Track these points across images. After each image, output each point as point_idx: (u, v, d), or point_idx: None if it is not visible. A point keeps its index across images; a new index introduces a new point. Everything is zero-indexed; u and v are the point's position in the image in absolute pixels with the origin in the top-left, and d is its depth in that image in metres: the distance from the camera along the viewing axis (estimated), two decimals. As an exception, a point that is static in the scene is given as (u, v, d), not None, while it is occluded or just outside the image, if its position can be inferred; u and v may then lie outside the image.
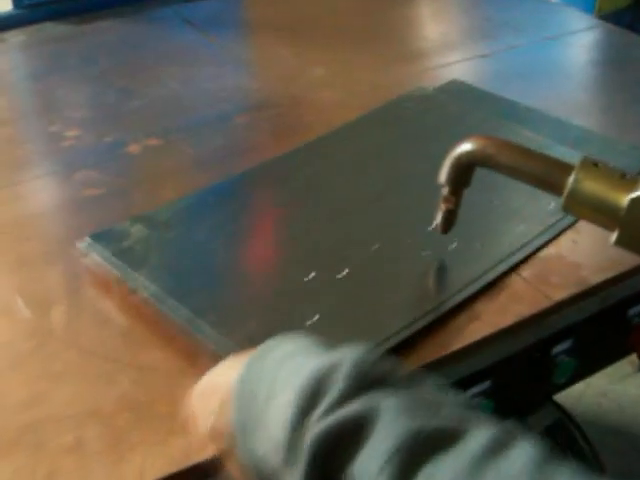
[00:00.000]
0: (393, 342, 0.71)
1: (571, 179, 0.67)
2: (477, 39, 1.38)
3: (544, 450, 0.42)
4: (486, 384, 0.79)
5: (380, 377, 0.48)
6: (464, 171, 0.76)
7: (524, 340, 0.79)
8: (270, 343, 0.55)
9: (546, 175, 0.70)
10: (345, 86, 1.20)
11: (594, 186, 0.66)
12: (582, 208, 0.68)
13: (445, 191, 0.77)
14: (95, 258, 0.82)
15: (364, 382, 0.47)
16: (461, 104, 1.11)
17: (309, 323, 0.73)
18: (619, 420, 1.74)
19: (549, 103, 1.12)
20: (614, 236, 0.66)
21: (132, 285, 0.78)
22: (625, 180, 0.66)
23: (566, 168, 0.68)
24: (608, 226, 0.67)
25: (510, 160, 0.72)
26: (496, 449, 0.41)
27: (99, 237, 0.84)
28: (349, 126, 1.05)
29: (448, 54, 1.32)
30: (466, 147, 0.74)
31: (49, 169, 1.03)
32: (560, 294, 0.79)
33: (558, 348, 0.83)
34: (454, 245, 0.83)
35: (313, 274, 0.79)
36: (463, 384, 0.76)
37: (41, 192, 0.99)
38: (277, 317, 0.75)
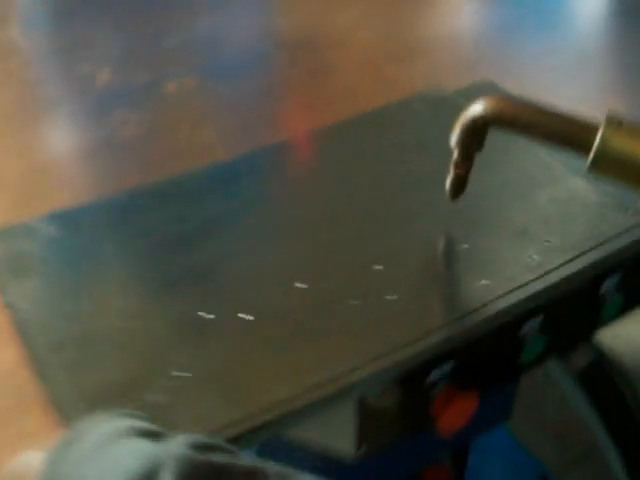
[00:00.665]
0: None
1: (597, 138, 0.64)
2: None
3: None
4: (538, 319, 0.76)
5: (213, 475, 0.39)
6: (477, 133, 0.71)
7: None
8: (81, 427, 0.46)
9: (570, 135, 0.66)
10: (381, 28, 1.17)
11: (623, 144, 0.64)
12: (610, 168, 0.65)
13: (456, 155, 0.73)
14: None
15: None
16: None
17: (175, 374, 0.61)
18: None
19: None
20: None
21: (7, 299, 0.68)
22: None
23: (591, 127, 0.65)
24: (638, 186, 0.65)
25: (530, 120, 0.68)
26: None
27: (4, 233, 0.75)
28: (343, 125, 0.93)
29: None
30: (480, 107, 0.70)
31: (83, 109, 1.01)
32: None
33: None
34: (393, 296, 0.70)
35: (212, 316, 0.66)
36: (517, 320, 0.74)
37: (76, 132, 0.96)
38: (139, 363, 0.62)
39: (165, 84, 1.03)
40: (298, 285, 0.69)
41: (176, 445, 0.40)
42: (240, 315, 0.66)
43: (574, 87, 1.05)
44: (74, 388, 0.59)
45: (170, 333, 0.64)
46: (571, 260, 0.74)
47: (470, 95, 0.90)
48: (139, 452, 0.41)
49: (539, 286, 0.71)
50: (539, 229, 0.77)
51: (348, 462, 0.76)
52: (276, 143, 0.90)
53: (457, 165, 0.74)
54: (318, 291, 0.69)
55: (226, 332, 0.65)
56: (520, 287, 0.71)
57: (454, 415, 0.74)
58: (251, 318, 0.66)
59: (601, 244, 0.76)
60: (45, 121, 0.99)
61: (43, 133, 0.97)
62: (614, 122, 0.64)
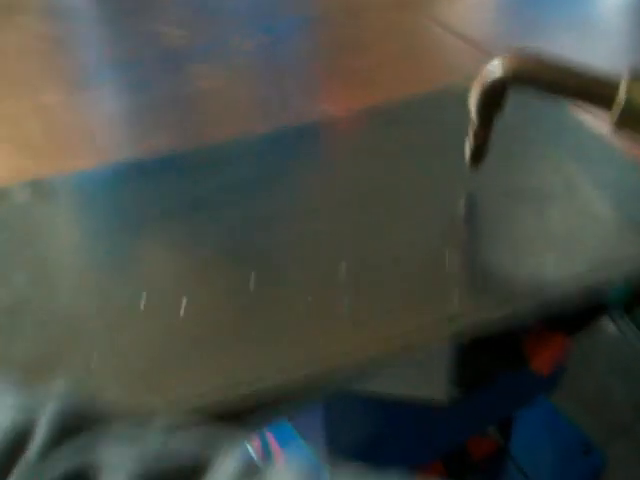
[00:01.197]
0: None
1: (622, 91, 0.61)
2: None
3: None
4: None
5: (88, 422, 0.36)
6: (497, 95, 0.67)
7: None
8: None
9: (593, 89, 0.63)
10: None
11: None
12: (636, 121, 0.62)
13: (475, 120, 0.69)
14: None
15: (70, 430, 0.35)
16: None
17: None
18: None
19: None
20: None
21: None
22: None
23: (613, 81, 0.62)
24: None
25: (551, 77, 0.64)
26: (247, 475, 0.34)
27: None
28: (366, 113, 0.88)
29: None
30: (498, 67, 0.65)
31: (158, 64, 1.00)
32: None
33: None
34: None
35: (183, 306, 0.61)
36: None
37: (154, 86, 0.96)
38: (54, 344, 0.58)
39: (238, 42, 1.03)
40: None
41: (52, 397, 0.37)
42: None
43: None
44: None
45: (100, 319, 0.60)
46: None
47: None
48: (9, 406, 0.36)
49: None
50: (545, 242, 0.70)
51: (439, 407, 0.76)
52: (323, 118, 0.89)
53: (476, 131, 0.70)
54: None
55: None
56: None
57: (546, 354, 0.74)
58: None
59: None
60: (116, 78, 0.99)
61: (114, 89, 0.97)
62: (637, 74, 0.62)
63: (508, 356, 0.76)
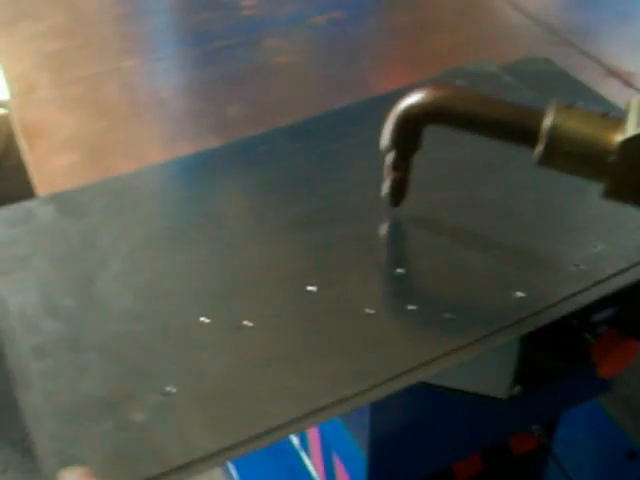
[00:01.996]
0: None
1: (546, 124, 0.55)
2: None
3: None
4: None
5: None
6: (413, 131, 0.61)
7: None
8: None
9: (516, 123, 0.57)
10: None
11: (574, 130, 0.55)
12: (562, 158, 0.56)
13: (392, 157, 0.64)
14: None
15: None
16: (523, 96, 0.81)
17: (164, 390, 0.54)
18: None
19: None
20: (603, 187, 0.55)
21: None
22: (608, 120, 0.55)
23: (538, 113, 0.56)
24: (594, 175, 0.55)
25: (470, 111, 0.58)
26: None
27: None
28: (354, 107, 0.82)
29: None
30: (413, 101, 0.60)
31: (233, 37, 1.00)
32: None
33: None
34: None
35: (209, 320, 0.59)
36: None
37: (230, 58, 0.96)
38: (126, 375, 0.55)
39: (313, 16, 1.01)
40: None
41: None
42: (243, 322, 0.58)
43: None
44: (49, 401, 0.53)
45: (166, 341, 0.57)
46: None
47: (518, 72, 0.85)
48: None
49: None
50: (587, 232, 0.66)
51: (500, 401, 0.75)
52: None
53: (396, 167, 0.64)
54: None
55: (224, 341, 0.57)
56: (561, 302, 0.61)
57: (615, 359, 0.71)
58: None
59: None
60: (190, 47, 0.98)
61: (189, 59, 0.97)
62: (562, 106, 0.56)
63: (575, 359, 0.74)
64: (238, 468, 1.18)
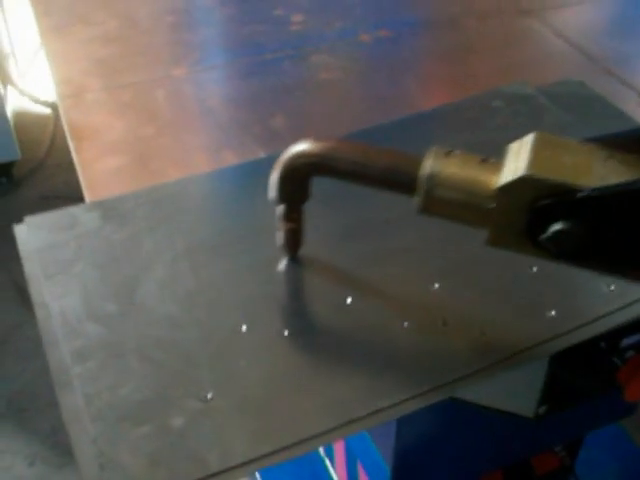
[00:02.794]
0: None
1: (424, 172, 0.53)
2: None
3: None
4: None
5: None
6: (300, 181, 0.61)
7: None
8: None
9: (396, 174, 0.55)
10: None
11: (450, 179, 0.53)
12: (441, 207, 0.54)
13: (282, 209, 0.62)
14: (23, 248, 0.66)
15: None
16: (559, 118, 0.81)
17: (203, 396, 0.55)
18: None
19: None
20: (486, 235, 0.54)
21: (36, 298, 0.62)
22: (487, 165, 0.53)
23: (416, 160, 0.55)
24: (476, 222, 0.54)
25: (350, 161, 0.57)
26: None
27: (38, 221, 0.68)
28: (414, 118, 0.83)
29: None
30: (298, 152, 0.59)
31: (281, 50, 1.02)
32: None
33: None
34: None
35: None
36: None
37: (277, 71, 0.98)
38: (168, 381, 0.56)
39: (360, 34, 1.04)
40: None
41: None
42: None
43: None
44: (89, 404, 0.54)
45: (206, 348, 0.57)
46: None
47: (553, 94, 0.85)
48: None
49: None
50: None
51: (525, 420, 0.76)
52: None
53: (288, 218, 0.63)
54: None
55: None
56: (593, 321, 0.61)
57: None
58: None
59: None
60: (241, 58, 1.01)
61: (237, 70, 0.99)
62: (440, 153, 0.54)
63: (602, 382, 0.75)
64: (262, 472, 1.19)
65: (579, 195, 0.48)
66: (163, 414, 0.52)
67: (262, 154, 0.78)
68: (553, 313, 0.61)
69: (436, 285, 0.64)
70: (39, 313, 0.61)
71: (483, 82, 0.94)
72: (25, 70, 2.51)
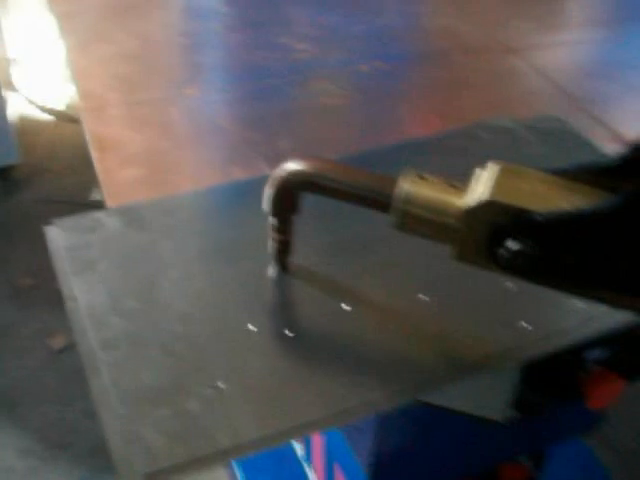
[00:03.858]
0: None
1: (399, 192, 0.60)
2: None
3: None
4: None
5: None
6: (290, 197, 0.67)
7: None
8: None
9: (373, 192, 0.62)
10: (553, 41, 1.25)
11: (423, 199, 0.59)
12: (413, 224, 0.60)
13: (273, 221, 0.69)
14: (53, 247, 0.74)
15: None
16: (535, 149, 0.90)
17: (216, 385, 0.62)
18: None
19: None
20: (453, 251, 0.60)
21: (67, 291, 0.69)
22: (455, 189, 0.60)
23: (392, 181, 0.61)
24: (445, 240, 0.60)
25: (333, 181, 0.64)
26: None
27: (66, 224, 0.76)
28: (402, 147, 0.90)
29: None
30: (289, 170, 0.66)
31: (285, 75, 1.10)
32: None
33: None
34: None
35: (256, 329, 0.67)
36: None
37: (282, 95, 1.06)
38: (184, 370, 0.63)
39: (359, 64, 1.12)
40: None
41: None
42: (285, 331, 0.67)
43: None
44: (116, 388, 0.61)
45: (217, 342, 0.65)
46: None
47: (532, 128, 0.95)
48: None
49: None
50: None
51: (496, 424, 0.83)
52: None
53: (278, 230, 0.70)
54: None
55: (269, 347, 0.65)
56: (560, 334, 0.68)
57: (603, 393, 0.79)
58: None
59: None
60: (248, 82, 1.09)
61: (246, 93, 1.07)
62: (413, 176, 0.61)
63: (568, 391, 0.81)
64: (245, 472, 1.25)
65: (533, 218, 0.55)
66: (180, 399, 0.60)
67: (267, 171, 0.85)
68: (524, 324, 0.69)
69: (420, 295, 0.72)
70: (69, 305, 0.68)
71: (469, 114, 1.03)
72: (28, 76, 2.57)
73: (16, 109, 2.49)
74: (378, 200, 0.62)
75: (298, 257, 0.72)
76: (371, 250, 0.77)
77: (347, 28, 1.24)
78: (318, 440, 1.04)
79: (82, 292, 0.69)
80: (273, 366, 0.64)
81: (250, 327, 0.67)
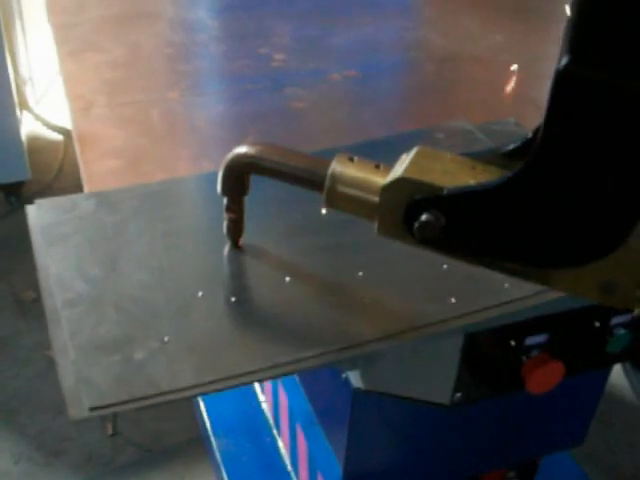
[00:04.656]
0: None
1: (329, 172, 0.66)
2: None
3: None
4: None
5: None
6: (238, 178, 0.74)
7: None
8: None
9: (308, 173, 0.68)
10: (521, 55, 1.31)
11: (350, 178, 0.65)
12: (342, 201, 0.66)
13: (226, 201, 0.76)
14: (32, 222, 0.82)
15: None
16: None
17: (163, 339, 0.69)
18: None
19: None
20: (377, 226, 0.65)
21: (39, 260, 0.77)
22: (379, 170, 0.65)
23: (326, 164, 0.66)
24: (369, 216, 0.65)
25: (274, 162, 0.70)
26: None
27: (46, 204, 0.84)
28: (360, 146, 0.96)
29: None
30: (236, 153, 0.72)
31: (261, 82, 1.18)
32: None
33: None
34: None
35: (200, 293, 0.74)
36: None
37: (255, 99, 1.14)
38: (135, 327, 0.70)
39: (332, 73, 1.19)
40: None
41: None
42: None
43: None
44: (73, 339, 0.67)
45: (168, 305, 0.72)
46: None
47: (489, 131, 1.01)
48: None
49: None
50: None
51: (442, 409, 0.85)
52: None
53: (229, 209, 0.75)
54: None
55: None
56: (479, 311, 0.74)
57: (542, 377, 0.82)
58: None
59: None
60: (227, 87, 1.17)
61: (223, 97, 1.15)
62: (344, 158, 0.66)
63: (509, 374, 0.85)
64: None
65: (439, 192, 0.61)
66: (129, 349, 0.67)
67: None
68: (453, 300, 0.75)
69: (360, 273, 0.78)
70: (41, 273, 0.76)
71: (431, 118, 1.09)
72: (41, 96, 2.67)
73: (29, 128, 2.58)
74: (313, 180, 0.68)
75: (253, 238, 0.79)
76: (322, 233, 0.83)
77: (325, 40, 1.32)
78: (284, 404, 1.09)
79: (54, 260, 0.76)
80: (216, 326, 0.71)
81: (199, 294, 0.73)
